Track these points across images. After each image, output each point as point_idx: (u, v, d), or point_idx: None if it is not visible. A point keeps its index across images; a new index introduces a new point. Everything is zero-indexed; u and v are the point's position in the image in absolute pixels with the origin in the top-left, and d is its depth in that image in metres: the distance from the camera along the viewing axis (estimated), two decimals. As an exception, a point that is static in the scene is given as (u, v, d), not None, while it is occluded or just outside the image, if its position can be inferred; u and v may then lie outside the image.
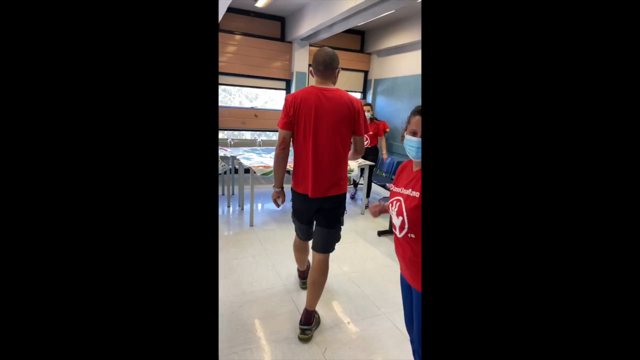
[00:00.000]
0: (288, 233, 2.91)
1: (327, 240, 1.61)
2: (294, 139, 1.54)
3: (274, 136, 5.63)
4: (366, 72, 5.87)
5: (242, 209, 3.54)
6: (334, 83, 1.54)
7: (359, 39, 5.75)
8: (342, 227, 1.65)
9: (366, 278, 2.26)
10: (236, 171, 3.86)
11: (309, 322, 1.59)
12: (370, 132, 3.43)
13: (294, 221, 1.74)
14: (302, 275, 2.03)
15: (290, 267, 2.30)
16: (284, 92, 5.42)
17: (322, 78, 1.51)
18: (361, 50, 5.79)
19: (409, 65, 4.98)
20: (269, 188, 4.17)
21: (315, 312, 1.66)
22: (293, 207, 1.68)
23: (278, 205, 1.68)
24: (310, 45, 5.18)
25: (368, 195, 3.70)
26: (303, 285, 2.02)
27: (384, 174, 4.14)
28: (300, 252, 1.88)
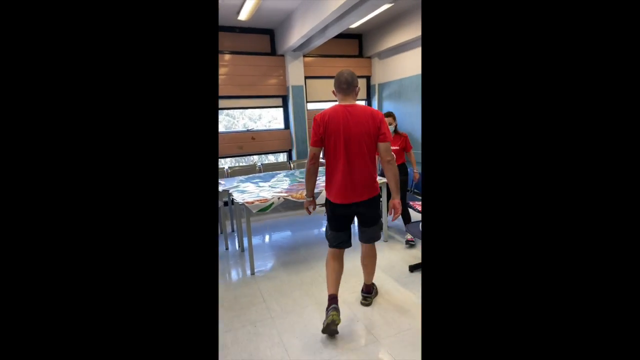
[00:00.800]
0: (297, 280, 2.37)
1: (372, 234, 1.87)
2: (325, 153, 1.73)
3: (279, 157, 5.15)
4: (368, 78, 5.38)
5: (242, 250, 3.01)
6: (355, 100, 1.74)
7: (357, 43, 5.29)
8: (381, 219, 1.93)
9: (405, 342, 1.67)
10: (233, 203, 3.37)
11: (369, 292, 2.03)
12: (397, 147, 2.76)
13: (328, 236, 1.87)
14: (333, 299, 1.74)
15: (302, 336, 1.74)
16: (281, 109, 4.97)
17: (345, 95, 1.71)
18: (360, 54, 5.32)
19: (414, 63, 4.47)
20: (274, 218, 3.61)
21: (374, 284, 2.06)
22: (329, 219, 1.84)
23: (309, 212, 1.92)
24: (305, 56, 4.75)
25: (407, 221, 2.83)
26: (334, 315, 1.67)
27: (418, 195, 3.42)
28: (333, 262, 1.81)
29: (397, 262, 2.59)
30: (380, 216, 1.91)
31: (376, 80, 5.29)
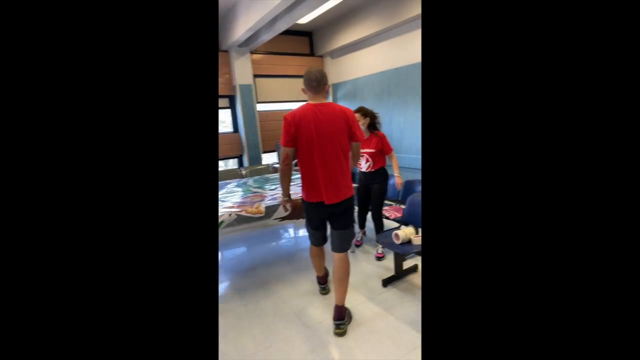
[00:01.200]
0: (256, 312, 1.99)
1: (344, 239, 1.81)
2: (298, 154, 1.69)
3: (228, 164, 4.65)
4: (321, 77, 5.15)
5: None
6: (325, 98, 1.71)
7: (307, 41, 5.04)
8: (354, 224, 1.89)
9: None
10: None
11: (341, 317, 1.77)
12: (372, 149, 2.43)
13: (308, 230, 1.93)
14: (321, 280, 2.17)
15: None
16: (228, 111, 4.50)
17: (315, 94, 1.67)
18: (311, 53, 5.07)
19: (368, 62, 4.34)
20: (225, 234, 3.18)
21: (346, 308, 1.85)
22: (307, 218, 1.87)
23: (286, 210, 2.15)
24: (252, 53, 4.35)
25: (379, 231, 2.53)
26: (323, 291, 2.15)
27: (392, 203, 2.99)
28: (317, 257, 2.03)
29: (368, 276, 2.34)
30: (354, 221, 1.89)
31: (330, 81, 5.08)
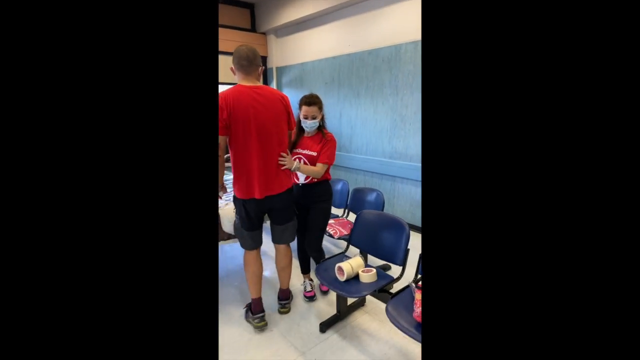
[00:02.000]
0: None
1: (289, 232, 1.69)
2: (231, 143, 1.46)
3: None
4: (264, 59, 4.44)
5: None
6: (259, 81, 1.50)
7: (248, 14, 4.28)
8: (296, 215, 1.73)
9: None
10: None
11: (287, 297, 1.84)
12: (314, 152, 1.68)
13: (240, 236, 1.64)
14: (256, 307, 1.69)
15: None
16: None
17: (247, 74, 1.46)
18: (253, 29, 4.33)
19: (319, 45, 3.76)
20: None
21: (289, 290, 1.87)
22: (240, 218, 1.60)
23: (220, 197, 1.83)
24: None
25: (318, 260, 1.81)
26: (259, 324, 1.67)
27: (338, 214, 2.06)
28: (253, 265, 1.66)
29: (303, 316, 1.79)
30: (295, 213, 1.72)
31: (274, 63, 4.40)
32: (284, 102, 1.50)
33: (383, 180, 3.23)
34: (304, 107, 1.66)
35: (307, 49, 3.91)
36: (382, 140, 3.17)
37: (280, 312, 1.80)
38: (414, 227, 2.52)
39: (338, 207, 2.38)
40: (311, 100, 1.66)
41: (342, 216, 2.40)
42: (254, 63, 1.43)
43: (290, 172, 1.59)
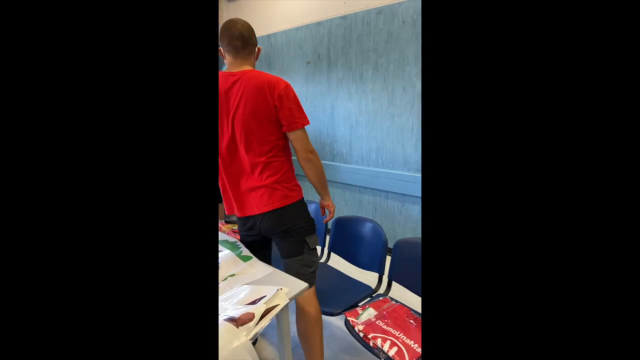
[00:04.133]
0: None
1: (293, 271, 1.15)
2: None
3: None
4: (211, 31, 3.14)
5: None
6: (253, 65, 1.14)
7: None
8: (317, 246, 1.23)
9: None
10: None
11: None
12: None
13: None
14: None
15: None
16: None
17: (240, 59, 1.10)
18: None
19: (292, 6, 2.59)
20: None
21: None
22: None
23: None
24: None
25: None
26: None
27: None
28: None
29: None
30: (309, 243, 1.19)
31: (225, 37, 3.12)
32: (272, 91, 1.05)
33: (405, 203, 2.19)
34: None
35: (275, 13, 2.71)
36: (404, 145, 2.13)
37: None
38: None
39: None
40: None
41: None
42: (249, 42, 1.10)
43: (289, 182, 1.17)
